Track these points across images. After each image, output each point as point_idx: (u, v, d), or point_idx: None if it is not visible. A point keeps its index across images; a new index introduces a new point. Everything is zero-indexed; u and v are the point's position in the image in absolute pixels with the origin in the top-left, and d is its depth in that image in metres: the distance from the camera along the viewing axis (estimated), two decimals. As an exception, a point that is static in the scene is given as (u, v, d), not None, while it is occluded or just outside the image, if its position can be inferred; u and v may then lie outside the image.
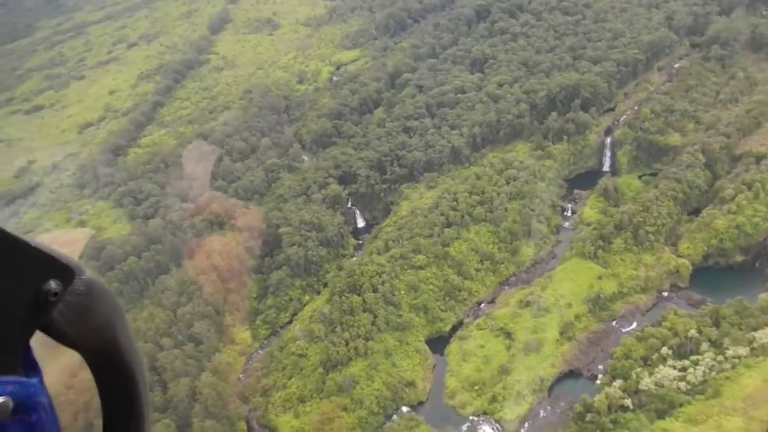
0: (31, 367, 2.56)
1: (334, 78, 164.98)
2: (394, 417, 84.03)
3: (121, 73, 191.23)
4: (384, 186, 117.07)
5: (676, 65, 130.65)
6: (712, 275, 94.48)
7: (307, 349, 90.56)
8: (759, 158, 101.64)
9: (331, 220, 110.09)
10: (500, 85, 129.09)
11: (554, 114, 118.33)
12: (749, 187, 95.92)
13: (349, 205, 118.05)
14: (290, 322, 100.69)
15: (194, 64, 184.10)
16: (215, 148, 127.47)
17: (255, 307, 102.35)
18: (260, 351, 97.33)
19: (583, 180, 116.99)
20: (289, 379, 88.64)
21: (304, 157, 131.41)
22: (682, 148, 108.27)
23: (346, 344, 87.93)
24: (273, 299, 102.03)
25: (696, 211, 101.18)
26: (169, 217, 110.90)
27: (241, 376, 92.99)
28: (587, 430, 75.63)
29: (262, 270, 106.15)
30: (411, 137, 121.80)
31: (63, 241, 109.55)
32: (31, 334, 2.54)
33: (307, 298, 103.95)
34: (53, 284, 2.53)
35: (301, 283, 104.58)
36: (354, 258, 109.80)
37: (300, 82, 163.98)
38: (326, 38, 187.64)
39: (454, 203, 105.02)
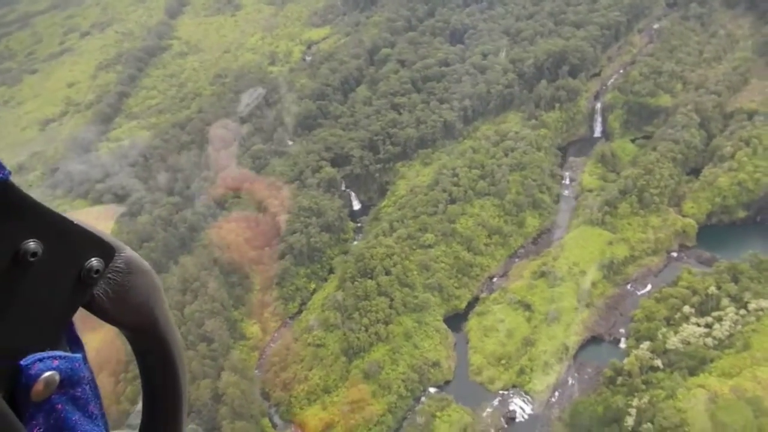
0: (75, 343, 2.62)
1: (307, 57, 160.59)
2: (423, 399, 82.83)
3: (77, 64, 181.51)
4: (378, 166, 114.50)
5: (656, 26, 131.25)
6: (717, 233, 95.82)
7: (324, 338, 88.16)
8: (750, 114, 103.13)
9: (330, 204, 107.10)
10: (484, 56, 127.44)
11: (543, 82, 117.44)
12: (747, 144, 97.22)
13: (344, 188, 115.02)
14: (299, 312, 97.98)
15: (156, 51, 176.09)
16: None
17: (260, 299, 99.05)
18: (272, 345, 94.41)
19: (576, 147, 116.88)
20: (310, 370, 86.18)
21: (288, 141, 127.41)
22: (674, 109, 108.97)
23: (366, 330, 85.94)
24: (279, 290, 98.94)
25: (695, 171, 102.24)
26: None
27: (256, 372, 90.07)
28: (620, 393, 75.73)
29: (263, 261, 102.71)
30: (401, 114, 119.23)
31: (91, 218, 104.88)
32: (75, 310, 2.59)
33: (313, 286, 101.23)
34: (95, 262, 2.58)
35: (305, 271, 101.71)
36: (355, 242, 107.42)
37: (272, 63, 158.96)
38: (292, 16, 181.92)
39: (455, 179, 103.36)
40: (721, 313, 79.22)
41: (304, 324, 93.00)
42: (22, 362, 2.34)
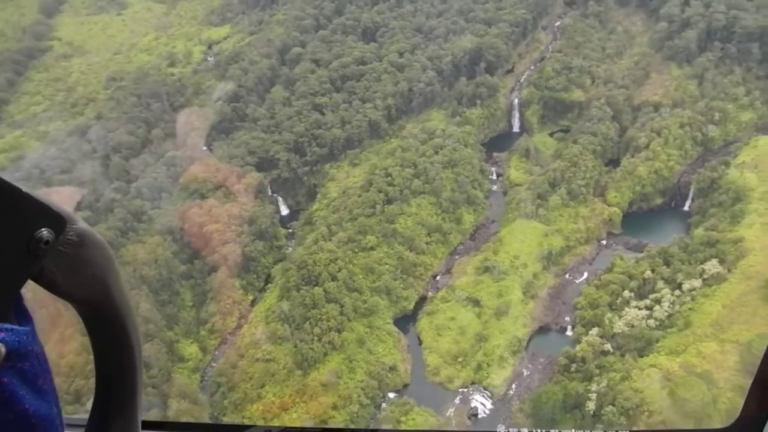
0: (23, 317, 2.53)
1: (209, 58, 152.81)
2: (383, 405, 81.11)
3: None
4: (306, 168, 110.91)
5: (557, 24, 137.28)
6: (638, 219, 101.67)
7: (273, 352, 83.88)
8: (656, 107, 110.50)
9: (261, 210, 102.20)
10: (400, 54, 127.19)
11: (463, 79, 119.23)
12: (658, 134, 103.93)
13: (270, 193, 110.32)
14: (238, 327, 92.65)
15: (35, 53, 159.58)
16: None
17: (195, 316, 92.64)
18: (214, 364, 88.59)
19: (497, 143, 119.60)
20: (262, 387, 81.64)
21: (203, 147, 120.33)
22: (587, 104, 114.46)
23: (319, 339, 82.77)
24: (215, 305, 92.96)
25: (611, 162, 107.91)
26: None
27: (200, 395, 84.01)
28: (576, 380, 78.28)
29: (193, 275, 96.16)
30: (324, 114, 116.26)
31: (53, 198, 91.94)
32: (22, 282, 2.51)
33: (250, 298, 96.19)
34: (45, 232, 2.47)
35: (241, 282, 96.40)
36: (289, 248, 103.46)
37: (171, 65, 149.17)
38: (186, 15, 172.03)
39: (389, 179, 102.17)
40: (658, 295, 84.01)
41: (247, 339, 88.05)
42: None
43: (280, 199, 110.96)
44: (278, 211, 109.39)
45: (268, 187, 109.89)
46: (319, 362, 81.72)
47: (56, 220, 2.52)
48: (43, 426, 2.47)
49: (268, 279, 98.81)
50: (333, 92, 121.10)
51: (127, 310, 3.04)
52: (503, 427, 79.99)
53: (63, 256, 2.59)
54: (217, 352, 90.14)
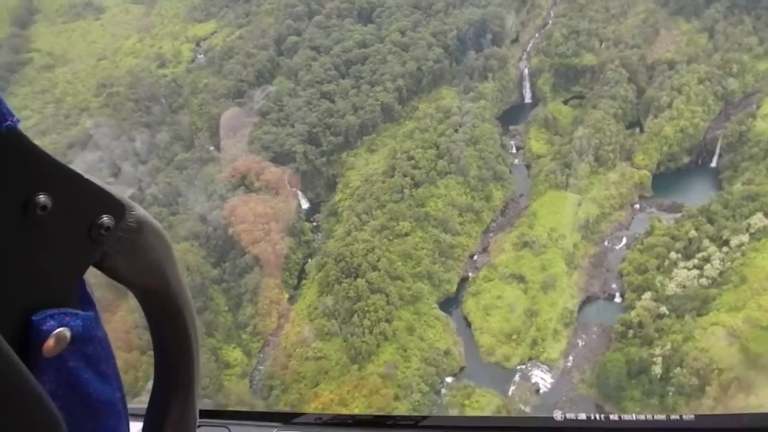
0: (87, 302, 2.52)
1: (200, 55, 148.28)
2: (443, 391, 79.39)
3: None
4: (323, 159, 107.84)
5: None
6: (667, 180, 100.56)
7: (324, 349, 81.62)
8: (671, 64, 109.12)
9: (286, 206, 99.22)
10: (402, 33, 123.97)
11: (472, 53, 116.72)
12: (679, 92, 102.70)
13: (290, 187, 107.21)
14: (279, 327, 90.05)
15: (15, 66, 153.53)
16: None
17: (233, 320, 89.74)
18: (261, 367, 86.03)
19: (510, 116, 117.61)
20: (316, 386, 79.37)
21: (210, 146, 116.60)
22: (600, 67, 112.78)
23: (371, 331, 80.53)
24: (252, 307, 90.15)
25: (632, 125, 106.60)
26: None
27: (255, 399, 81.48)
28: (635, 345, 77.27)
29: (225, 278, 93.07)
30: (334, 102, 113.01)
31: None
32: (85, 268, 2.49)
33: (285, 296, 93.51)
34: (106, 219, 2.45)
35: (275, 282, 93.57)
36: (314, 243, 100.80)
37: (161, 66, 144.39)
38: (168, 14, 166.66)
39: (413, 162, 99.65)
40: (705, 254, 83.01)
41: (293, 338, 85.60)
42: (33, 318, 2.26)
43: (299, 193, 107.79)
44: (299, 205, 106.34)
45: (287, 182, 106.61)
46: (373, 354, 79.60)
47: (117, 206, 2.50)
48: (107, 410, 2.50)
49: (301, 275, 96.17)
50: (339, 78, 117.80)
51: (184, 298, 2.99)
52: (559, 413, 78.37)
53: (123, 242, 2.56)
54: (261, 355, 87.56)
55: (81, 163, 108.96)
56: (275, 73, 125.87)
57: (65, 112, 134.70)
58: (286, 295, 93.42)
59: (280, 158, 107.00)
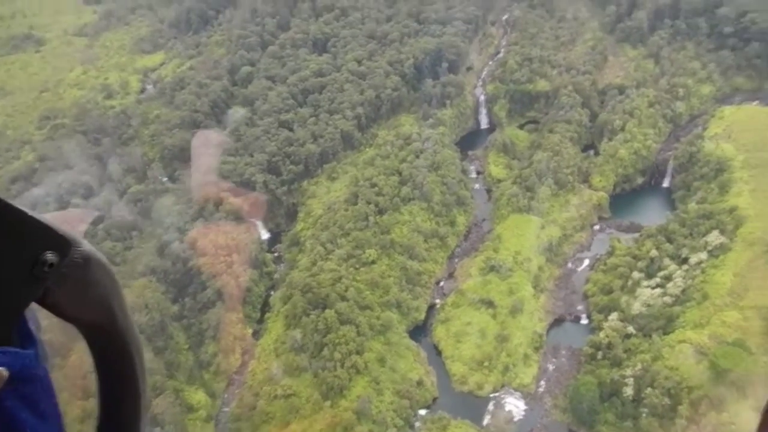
0: (28, 339, 2.50)
1: (148, 86, 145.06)
2: (417, 424, 77.64)
3: None
4: (284, 188, 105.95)
5: (505, 17, 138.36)
6: (623, 201, 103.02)
7: (293, 386, 78.81)
8: (621, 89, 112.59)
9: (247, 237, 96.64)
10: (358, 62, 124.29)
11: (429, 81, 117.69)
12: (631, 115, 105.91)
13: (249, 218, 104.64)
14: (243, 364, 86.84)
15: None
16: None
17: (195, 359, 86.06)
18: (226, 409, 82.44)
19: (467, 141, 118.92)
20: (287, 426, 76.41)
21: (163, 178, 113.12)
22: (554, 93, 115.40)
23: (342, 365, 78.34)
24: (215, 344, 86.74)
25: (587, 148, 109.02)
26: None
27: (222, 445, 77.95)
28: (605, 367, 77.65)
29: (185, 314, 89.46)
30: (293, 131, 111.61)
31: (63, 220, 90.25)
32: (25, 305, 2.48)
33: (249, 331, 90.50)
34: (49, 255, 2.45)
35: (237, 316, 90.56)
36: (276, 274, 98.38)
37: (108, 97, 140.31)
38: (113, 45, 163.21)
39: (376, 189, 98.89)
40: (666, 272, 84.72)
41: (259, 376, 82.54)
42: None
43: (259, 223, 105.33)
44: (260, 236, 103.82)
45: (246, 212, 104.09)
46: (345, 389, 77.31)
47: (61, 242, 2.47)
48: None
49: (264, 308, 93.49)
50: (297, 107, 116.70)
51: (131, 334, 2.95)
52: None
53: (67, 278, 2.52)
54: (226, 395, 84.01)
55: (25, 200, 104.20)
56: (230, 103, 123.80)
57: (6, 146, 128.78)
58: (250, 330, 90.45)
59: (240, 188, 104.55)
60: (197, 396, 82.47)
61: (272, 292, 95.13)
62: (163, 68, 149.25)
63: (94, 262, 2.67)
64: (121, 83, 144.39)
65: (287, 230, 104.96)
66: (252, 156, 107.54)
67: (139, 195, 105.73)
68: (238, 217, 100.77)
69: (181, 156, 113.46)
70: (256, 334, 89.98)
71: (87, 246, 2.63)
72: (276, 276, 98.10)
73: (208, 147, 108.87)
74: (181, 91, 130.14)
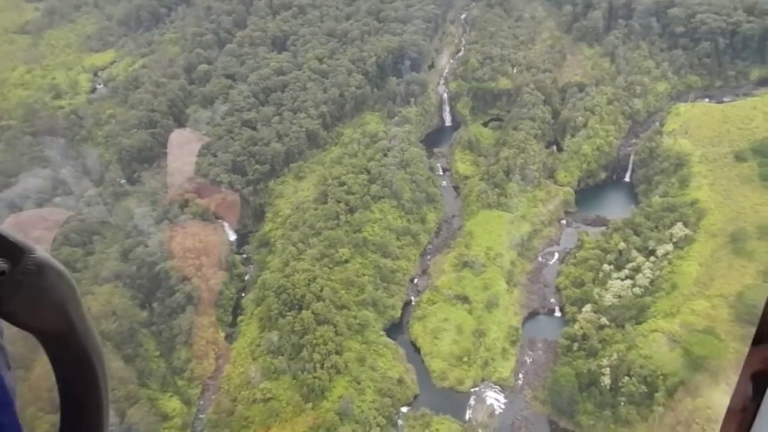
0: None
1: (98, 86, 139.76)
2: (400, 422, 77.29)
3: None
4: (249, 188, 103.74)
5: (463, 16, 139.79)
6: (587, 195, 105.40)
7: (272, 389, 77.15)
8: (581, 87, 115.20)
9: (216, 238, 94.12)
10: (320, 60, 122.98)
11: (393, 79, 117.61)
12: (592, 112, 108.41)
13: (215, 218, 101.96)
14: (218, 369, 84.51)
15: None
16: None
17: (168, 366, 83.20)
18: (202, 416, 79.96)
19: (431, 139, 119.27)
20: (268, 430, 74.70)
21: (121, 180, 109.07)
22: (516, 91, 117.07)
23: (322, 365, 77.19)
24: (187, 349, 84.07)
25: (550, 144, 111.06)
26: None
27: (200, 452, 75.53)
28: (581, 358, 79.28)
29: (154, 321, 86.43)
30: (257, 130, 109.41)
31: (36, 220, 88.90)
32: None
33: (222, 335, 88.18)
34: (1, 263, 2.45)
35: (209, 320, 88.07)
36: (247, 276, 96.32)
37: (57, 97, 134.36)
38: (59, 44, 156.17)
39: (345, 187, 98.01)
40: (634, 264, 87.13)
41: (236, 380, 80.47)
42: None
43: (225, 224, 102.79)
44: (227, 237, 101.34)
45: (212, 214, 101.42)
46: (326, 390, 76.21)
47: (12, 250, 2.45)
48: None
49: (236, 311, 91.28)
50: (259, 106, 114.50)
51: (90, 341, 2.89)
52: None
53: (21, 286, 2.49)
54: (201, 402, 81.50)
55: None
56: (188, 102, 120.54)
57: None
58: (223, 334, 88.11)
59: (203, 189, 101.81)
60: (171, 403, 79.71)
61: (243, 295, 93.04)
62: (113, 67, 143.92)
63: (49, 268, 2.61)
64: (69, 83, 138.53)
65: (255, 231, 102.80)
66: (215, 156, 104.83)
67: (97, 198, 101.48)
68: (204, 218, 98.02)
69: (140, 157, 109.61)
70: (230, 338, 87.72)
71: (41, 253, 2.58)
72: (246, 278, 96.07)
73: (184, 146, 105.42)
74: (136, 90, 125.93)
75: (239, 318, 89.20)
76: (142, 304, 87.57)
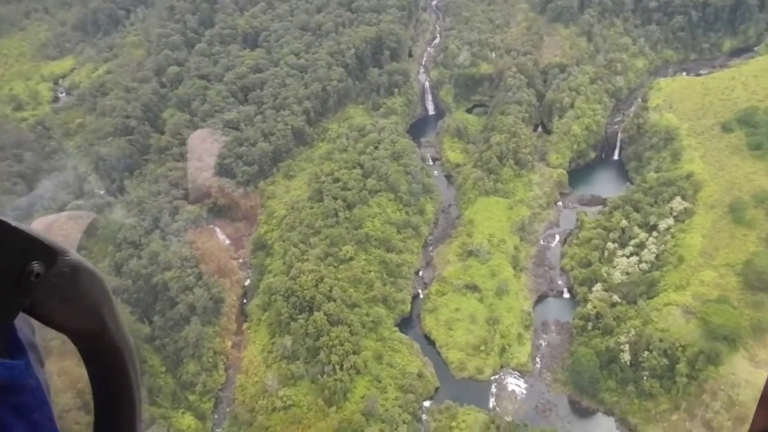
0: (17, 350, 2.54)
1: (60, 94, 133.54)
2: (424, 417, 76.13)
3: None
4: (240, 191, 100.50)
5: (434, 2, 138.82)
6: (579, 175, 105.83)
7: (292, 396, 74.88)
8: (562, 67, 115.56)
9: (213, 245, 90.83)
10: (296, 55, 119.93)
11: (375, 70, 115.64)
12: (577, 92, 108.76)
13: (209, 225, 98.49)
14: (229, 380, 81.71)
15: None
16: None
17: (176, 381, 79.89)
18: (218, 430, 77.15)
19: (416, 128, 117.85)
20: (292, 438, 72.54)
21: (100, 191, 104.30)
22: (498, 75, 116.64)
23: (341, 367, 75.25)
24: (195, 363, 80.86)
25: (536, 126, 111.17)
26: None
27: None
28: (596, 337, 79.54)
29: (156, 335, 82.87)
30: (241, 131, 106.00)
31: (61, 223, 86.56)
32: (13, 316, 2.50)
33: (228, 344, 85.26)
34: (35, 265, 2.47)
35: (213, 330, 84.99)
36: (248, 281, 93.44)
37: (18, 108, 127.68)
38: (11, 54, 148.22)
39: (341, 183, 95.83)
40: (637, 240, 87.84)
41: (251, 390, 77.88)
42: None
43: (217, 229, 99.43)
44: (221, 243, 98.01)
45: (204, 219, 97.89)
46: (348, 391, 74.36)
47: (47, 252, 2.48)
48: None
49: (240, 318, 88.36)
50: (239, 105, 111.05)
51: (124, 342, 2.95)
52: None
53: (55, 288, 2.54)
54: (216, 415, 78.62)
55: None
56: (163, 106, 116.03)
57: None
58: (229, 343, 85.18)
59: (192, 194, 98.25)
60: (185, 420, 76.64)
61: (245, 301, 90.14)
62: (74, 74, 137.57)
63: (82, 270, 2.63)
64: (29, 93, 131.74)
65: (248, 234, 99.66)
66: (201, 160, 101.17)
67: (78, 213, 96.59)
68: (197, 225, 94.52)
69: (120, 166, 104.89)
70: (237, 347, 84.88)
71: (74, 255, 2.59)
72: (247, 283, 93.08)
73: (206, 143, 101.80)
74: (104, 97, 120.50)
75: (245, 325, 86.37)
76: (140, 318, 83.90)
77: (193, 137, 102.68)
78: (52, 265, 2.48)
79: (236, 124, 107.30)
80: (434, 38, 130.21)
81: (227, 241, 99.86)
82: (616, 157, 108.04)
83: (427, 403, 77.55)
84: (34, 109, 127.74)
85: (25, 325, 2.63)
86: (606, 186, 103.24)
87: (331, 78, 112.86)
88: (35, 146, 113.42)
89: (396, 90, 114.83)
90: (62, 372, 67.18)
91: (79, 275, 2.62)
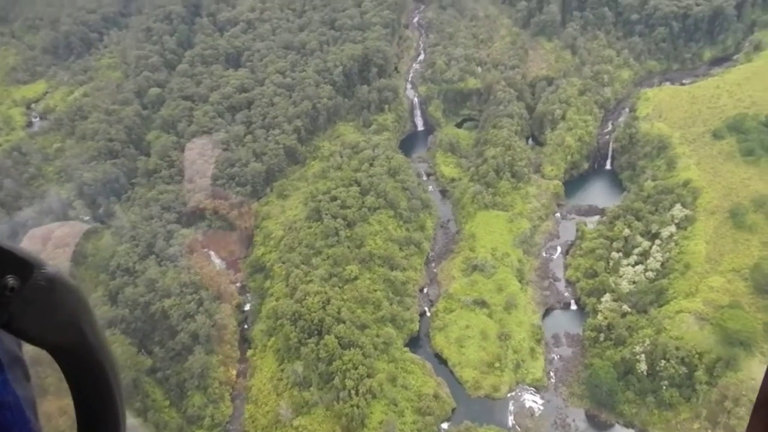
0: None
1: (34, 119, 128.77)
2: (443, 439, 74.07)
3: None
4: (234, 212, 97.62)
5: (416, 19, 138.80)
6: (574, 187, 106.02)
7: (307, 425, 72.02)
8: (549, 80, 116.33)
9: (210, 270, 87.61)
10: (282, 74, 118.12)
11: (364, 87, 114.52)
12: (568, 104, 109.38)
13: (204, 249, 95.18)
14: (237, 411, 78.33)
15: None
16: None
17: (181, 415, 76.17)
18: (228, 464, 73.77)
19: (407, 144, 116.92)
20: (311, 468, 69.60)
21: (85, 217, 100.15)
22: (486, 89, 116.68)
23: (356, 392, 72.74)
24: (201, 395, 77.33)
25: (528, 139, 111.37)
26: None
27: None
28: (609, 348, 78.92)
29: (157, 367, 79.09)
30: (233, 151, 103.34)
31: (55, 236, 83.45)
32: None
33: (233, 372, 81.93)
34: (10, 280, 2.47)
35: (217, 359, 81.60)
36: (248, 305, 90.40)
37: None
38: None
39: (339, 202, 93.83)
40: (641, 248, 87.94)
41: (262, 420, 74.67)
42: None
43: (212, 253, 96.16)
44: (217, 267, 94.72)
45: (199, 243, 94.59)
46: (365, 417, 71.85)
47: (22, 266, 2.45)
48: None
49: (242, 345, 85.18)
50: (227, 125, 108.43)
51: (104, 354, 2.86)
52: None
53: (31, 302, 2.47)
54: (227, 448, 75.12)
55: None
56: (146, 129, 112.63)
57: None
58: (234, 372, 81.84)
59: (186, 218, 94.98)
60: (195, 457, 72.95)
61: (246, 327, 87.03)
62: (48, 98, 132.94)
63: (60, 284, 2.55)
64: (2, 118, 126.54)
65: (244, 257, 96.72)
66: (193, 182, 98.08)
67: (66, 240, 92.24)
68: (192, 249, 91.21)
69: (106, 190, 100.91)
70: (242, 375, 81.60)
71: (51, 268, 2.52)
72: (247, 308, 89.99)
73: (202, 154, 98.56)
74: (84, 120, 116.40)
75: (248, 352, 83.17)
76: (139, 350, 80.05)
77: (190, 148, 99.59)
78: (28, 279, 2.40)
79: (227, 143, 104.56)
80: (419, 54, 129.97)
81: (223, 265, 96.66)
82: (608, 166, 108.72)
83: (445, 425, 75.49)
84: (8, 135, 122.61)
85: (9, 339, 2.43)
86: (601, 196, 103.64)
87: (321, 96, 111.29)
88: (12, 172, 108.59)
89: (386, 106, 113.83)
90: (63, 412, 63.14)
91: (57, 288, 2.53)
